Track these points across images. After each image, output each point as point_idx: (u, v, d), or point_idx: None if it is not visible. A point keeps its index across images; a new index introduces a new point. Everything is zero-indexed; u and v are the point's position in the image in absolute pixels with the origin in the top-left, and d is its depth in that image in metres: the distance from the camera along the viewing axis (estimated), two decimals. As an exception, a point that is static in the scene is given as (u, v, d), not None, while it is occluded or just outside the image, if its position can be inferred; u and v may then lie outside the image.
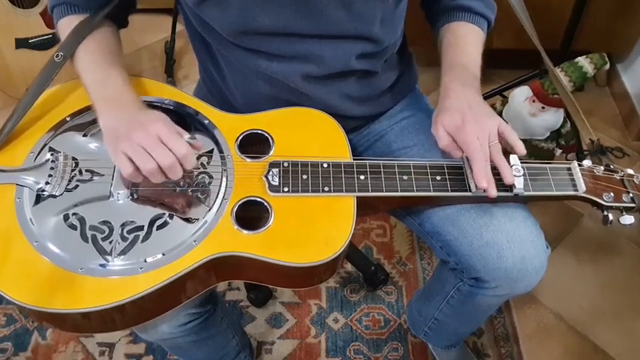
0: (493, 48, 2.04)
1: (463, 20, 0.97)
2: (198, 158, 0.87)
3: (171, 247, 0.79)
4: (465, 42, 0.97)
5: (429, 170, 0.88)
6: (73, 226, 0.80)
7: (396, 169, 0.88)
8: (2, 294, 0.75)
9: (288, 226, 0.83)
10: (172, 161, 0.77)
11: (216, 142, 0.90)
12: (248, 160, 0.89)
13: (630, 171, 0.90)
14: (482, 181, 0.82)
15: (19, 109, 0.88)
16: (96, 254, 0.78)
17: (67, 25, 0.91)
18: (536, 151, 1.67)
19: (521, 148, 0.85)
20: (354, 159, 0.89)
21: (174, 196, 0.84)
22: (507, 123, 1.64)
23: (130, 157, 0.77)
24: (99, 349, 1.41)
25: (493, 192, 0.83)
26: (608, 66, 1.55)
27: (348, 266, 1.57)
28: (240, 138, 0.91)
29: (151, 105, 0.92)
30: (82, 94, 0.93)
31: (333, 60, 0.91)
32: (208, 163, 0.87)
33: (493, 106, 1.85)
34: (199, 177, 0.86)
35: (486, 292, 0.96)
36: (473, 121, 0.85)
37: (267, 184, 0.85)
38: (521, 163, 0.88)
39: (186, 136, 0.80)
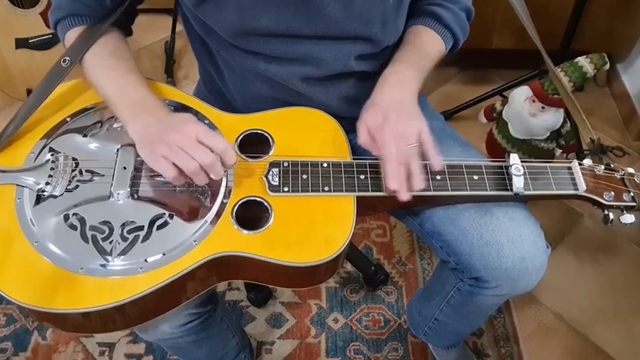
0: (493, 48, 2.05)
1: (430, 27, 0.96)
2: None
3: (172, 247, 0.79)
4: (422, 44, 0.96)
5: (429, 170, 0.88)
6: (73, 227, 0.80)
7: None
8: (3, 294, 0.75)
9: (289, 225, 0.83)
10: (213, 159, 0.78)
11: (217, 142, 0.90)
12: (248, 160, 0.89)
13: (631, 170, 0.90)
14: (392, 182, 0.81)
15: (22, 112, 0.88)
16: (96, 254, 0.78)
17: (74, 35, 0.90)
18: (536, 151, 1.67)
19: (437, 163, 0.83)
20: (354, 159, 0.89)
21: (174, 196, 0.84)
22: (507, 123, 1.64)
23: (171, 160, 0.77)
24: (99, 349, 1.41)
25: (403, 196, 0.82)
26: (608, 66, 1.55)
27: (348, 266, 1.57)
28: (240, 138, 0.91)
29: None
30: (82, 95, 0.94)
31: (332, 61, 0.91)
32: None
33: (493, 106, 1.86)
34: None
35: (486, 291, 0.96)
36: (394, 122, 0.83)
37: (267, 184, 0.85)
38: (521, 162, 0.88)
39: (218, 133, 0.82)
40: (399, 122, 0.83)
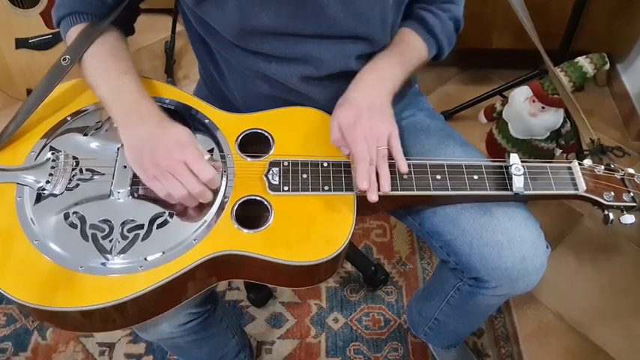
0: (493, 48, 2.05)
1: (416, 32, 0.96)
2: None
3: (172, 246, 0.79)
4: (405, 47, 0.95)
5: (429, 169, 0.88)
6: (73, 225, 0.80)
7: (397, 169, 0.88)
8: (3, 292, 0.75)
9: (288, 225, 0.83)
10: (201, 189, 0.79)
11: (217, 142, 0.90)
12: (248, 159, 0.89)
13: (631, 170, 0.90)
14: (363, 182, 0.81)
15: (22, 111, 0.88)
16: (96, 253, 0.78)
17: (77, 33, 0.90)
18: (536, 151, 1.67)
19: (403, 166, 0.84)
20: (354, 158, 0.89)
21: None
22: (507, 123, 1.64)
23: (161, 183, 0.79)
24: (99, 349, 1.41)
25: (373, 196, 0.82)
26: (608, 66, 1.56)
27: (348, 266, 1.57)
28: (241, 137, 0.91)
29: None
30: (83, 94, 0.94)
31: (332, 61, 0.91)
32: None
33: (493, 106, 1.86)
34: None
35: (486, 291, 0.96)
36: (366, 121, 0.84)
37: (267, 183, 0.86)
38: (521, 162, 0.88)
39: (207, 156, 0.82)
40: (370, 123, 0.84)
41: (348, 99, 0.88)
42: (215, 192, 0.83)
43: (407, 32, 0.97)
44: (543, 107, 1.58)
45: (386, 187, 0.83)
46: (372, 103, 0.87)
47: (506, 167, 0.88)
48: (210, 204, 0.83)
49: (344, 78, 0.95)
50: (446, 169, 0.88)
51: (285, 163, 0.88)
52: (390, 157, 0.85)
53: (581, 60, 1.53)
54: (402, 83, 0.93)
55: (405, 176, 0.87)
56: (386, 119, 0.86)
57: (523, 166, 0.87)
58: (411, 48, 0.96)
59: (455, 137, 1.03)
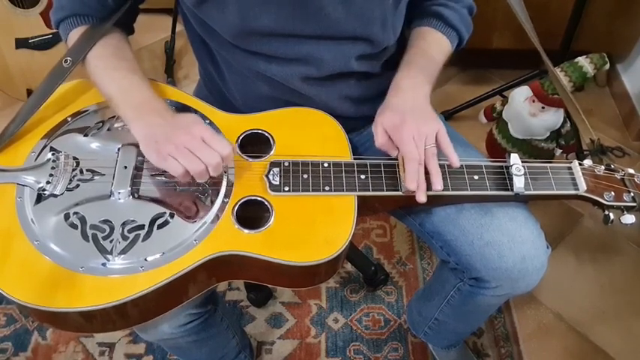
0: (493, 48, 2.05)
1: (435, 28, 0.97)
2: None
3: (172, 247, 0.79)
4: (429, 46, 0.96)
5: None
6: (73, 225, 0.80)
7: (397, 169, 0.88)
8: (3, 293, 0.75)
9: (289, 225, 0.83)
10: (219, 161, 0.79)
11: (217, 142, 0.90)
12: (249, 159, 0.89)
13: (631, 170, 0.90)
14: (412, 183, 0.82)
15: (23, 111, 0.88)
16: (96, 253, 0.78)
17: (77, 35, 0.90)
18: (536, 151, 1.67)
19: (455, 161, 0.85)
20: (354, 158, 0.89)
21: (175, 195, 0.84)
22: (507, 123, 1.64)
23: (177, 159, 0.78)
24: (99, 349, 1.41)
25: (421, 197, 0.83)
26: (608, 66, 1.56)
27: (348, 266, 1.57)
28: (241, 138, 0.91)
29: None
30: (83, 95, 0.94)
31: (332, 61, 0.91)
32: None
33: (493, 106, 1.86)
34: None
35: (487, 292, 0.96)
36: (411, 122, 0.84)
37: (267, 184, 0.85)
38: (521, 162, 0.88)
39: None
40: (417, 123, 0.85)
41: (389, 105, 0.88)
42: (216, 192, 0.84)
43: (427, 31, 0.97)
44: (543, 107, 1.58)
45: (438, 186, 0.83)
46: (414, 105, 0.87)
47: (507, 167, 0.88)
48: (211, 204, 0.83)
49: (345, 78, 0.96)
50: (446, 170, 0.88)
51: (286, 164, 0.88)
52: (441, 155, 0.85)
53: (581, 60, 1.53)
54: (434, 83, 0.94)
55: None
56: (431, 118, 0.87)
57: (523, 167, 0.87)
58: (435, 46, 0.97)
59: (455, 137, 1.02)
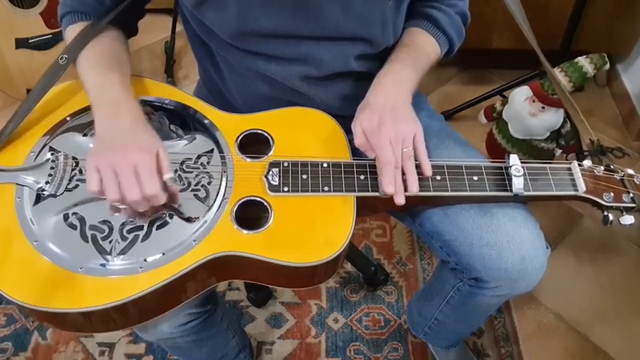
0: (493, 48, 2.05)
1: (426, 30, 0.96)
2: (198, 158, 0.87)
3: (171, 247, 0.79)
4: (417, 46, 0.95)
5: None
6: (73, 226, 0.80)
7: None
8: (2, 293, 0.75)
9: (288, 225, 0.83)
10: (137, 199, 0.75)
11: (216, 142, 0.90)
12: (248, 160, 0.89)
13: (630, 171, 0.90)
14: (389, 186, 0.81)
15: (21, 110, 0.88)
16: (96, 254, 0.78)
17: (74, 32, 0.91)
18: (536, 151, 1.67)
19: (427, 168, 0.84)
20: (353, 159, 0.89)
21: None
22: (507, 123, 1.64)
23: (101, 176, 0.75)
24: (99, 349, 1.41)
25: (400, 199, 0.82)
26: (608, 66, 1.56)
27: (348, 266, 1.57)
28: (240, 138, 0.91)
29: (152, 105, 0.92)
30: (83, 95, 0.93)
31: (331, 61, 0.91)
32: (208, 163, 0.87)
33: (493, 106, 1.86)
34: (199, 177, 0.86)
35: (486, 292, 0.96)
36: (389, 124, 0.83)
37: (267, 184, 0.85)
38: (521, 163, 0.88)
39: (168, 175, 0.77)
40: (394, 125, 0.84)
41: (368, 103, 0.87)
42: (215, 192, 0.84)
43: (417, 32, 0.97)
44: (543, 107, 1.58)
45: (414, 189, 0.82)
46: (394, 105, 0.86)
47: (506, 168, 0.88)
48: (210, 205, 0.83)
49: (344, 78, 0.96)
50: (446, 170, 0.88)
51: (285, 164, 0.88)
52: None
53: (581, 60, 1.52)
54: (419, 83, 0.93)
55: (404, 177, 0.87)
56: (409, 119, 0.86)
57: (523, 167, 0.87)
58: (422, 47, 0.96)
59: (455, 138, 1.03)
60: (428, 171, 0.84)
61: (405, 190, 0.83)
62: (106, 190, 0.75)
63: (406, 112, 0.87)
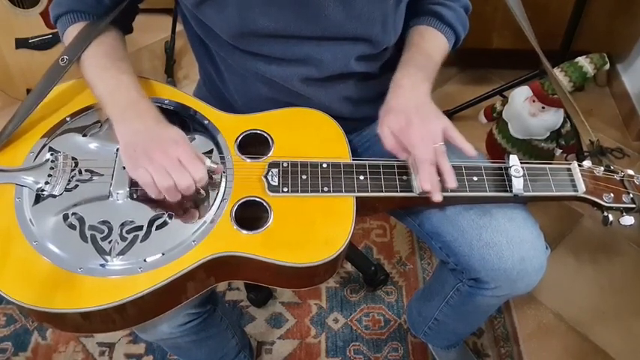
0: (493, 48, 2.06)
1: (432, 26, 0.97)
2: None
3: (171, 247, 0.79)
4: (427, 45, 0.96)
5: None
6: (72, 226, 0.80)
7: (396, 170, 0.88)
8: (2, 294, 0.75)
9: (288, 226, 0.83)
10: (190, 183, 0.79)
11: (216, 143, 0.90)
12: (247, 160, 0.89)
13: (630, 172, 0.90)
14: (427, 184, 0.81)
15: (21, 111, 0.88)
16: (95, 254, 0.78)
17: (74, 32, 0.90)
18: (536, 151, 1.67)
19: (470, 150, 0.84)
20: (353, 159, 0.89)
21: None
22: (507, 123, 1.64)
23: (150, 173, 0.78)
24: (99, 349, 1.41)
25: (437, 197, 0.82)
26: (608, 66, 1.56)
27: (348, 266, 1.57)
28: (240, 138, 0.91)
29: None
30: (82, 95, 0.94)
31: (332, 62, 0.91)
32: (208, 163, 0.87)
33: (493, 106, 1.86)
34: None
35: (486, 292, 0.96)
36: (418, 123, 0.84)
37: (266, 185, 0.85)
38: (520, 163, 0.88)
39: (207, 162, 0.82)
40: (423, 123, 0.84)
41: (392, 106, 0.87)
42: (214, 192, 0.84)
43: (425, 29, 0.97)
44: (543, 107, 1.58)
45: (452, 184, 0.82)
46: (417, 104, 0.86)
47: (506, 169, 0.88)
48: (210, 205, 0.83)
49: (344, 79, 0.96)
50: (445, 171, 0.88)
51: (285, 164, 0.87)
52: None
53: (581, 60, 1.52)
54: (433, 81, 0.93)
55: (405, 177, 0.87)
56: (436, 115, 0.86)
57: (523, 168, 0.87)
58: (432, 44, 0.96)
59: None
60: (471, 152, 0.84)
61: (442, 186, 0.83)
62: (159, 181, 0.78)
63: (432, 110, 0.87)
